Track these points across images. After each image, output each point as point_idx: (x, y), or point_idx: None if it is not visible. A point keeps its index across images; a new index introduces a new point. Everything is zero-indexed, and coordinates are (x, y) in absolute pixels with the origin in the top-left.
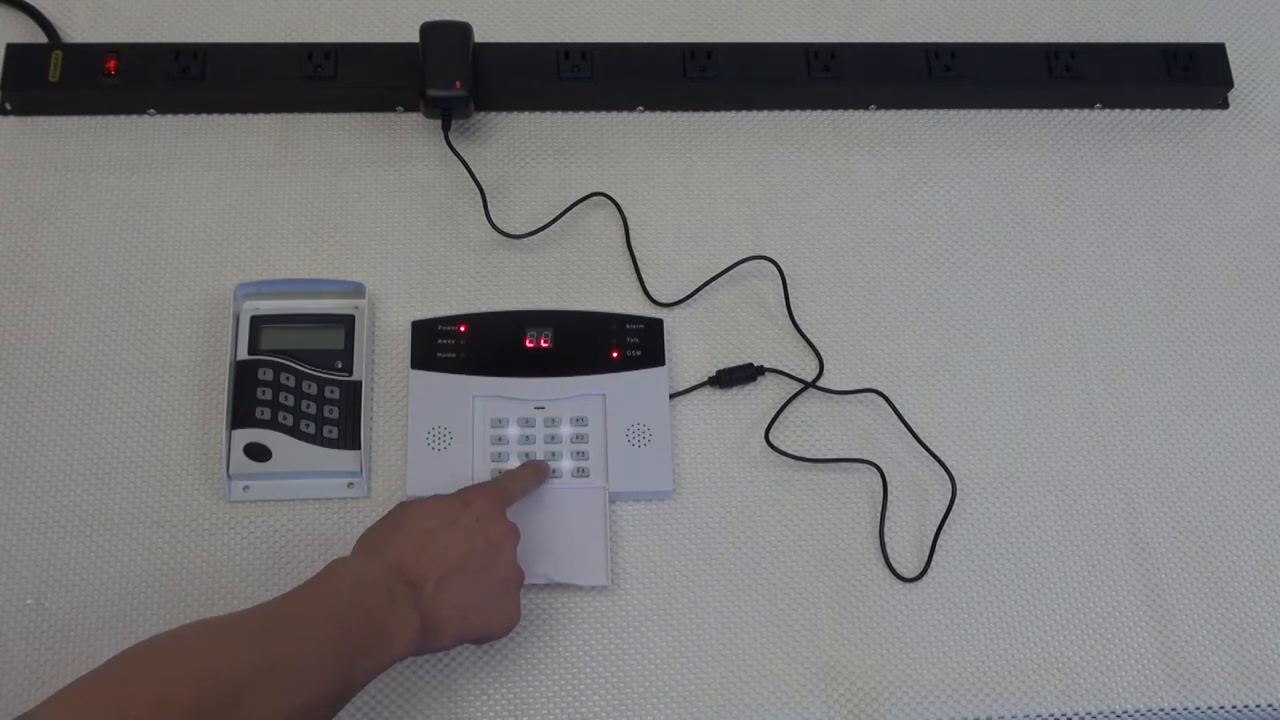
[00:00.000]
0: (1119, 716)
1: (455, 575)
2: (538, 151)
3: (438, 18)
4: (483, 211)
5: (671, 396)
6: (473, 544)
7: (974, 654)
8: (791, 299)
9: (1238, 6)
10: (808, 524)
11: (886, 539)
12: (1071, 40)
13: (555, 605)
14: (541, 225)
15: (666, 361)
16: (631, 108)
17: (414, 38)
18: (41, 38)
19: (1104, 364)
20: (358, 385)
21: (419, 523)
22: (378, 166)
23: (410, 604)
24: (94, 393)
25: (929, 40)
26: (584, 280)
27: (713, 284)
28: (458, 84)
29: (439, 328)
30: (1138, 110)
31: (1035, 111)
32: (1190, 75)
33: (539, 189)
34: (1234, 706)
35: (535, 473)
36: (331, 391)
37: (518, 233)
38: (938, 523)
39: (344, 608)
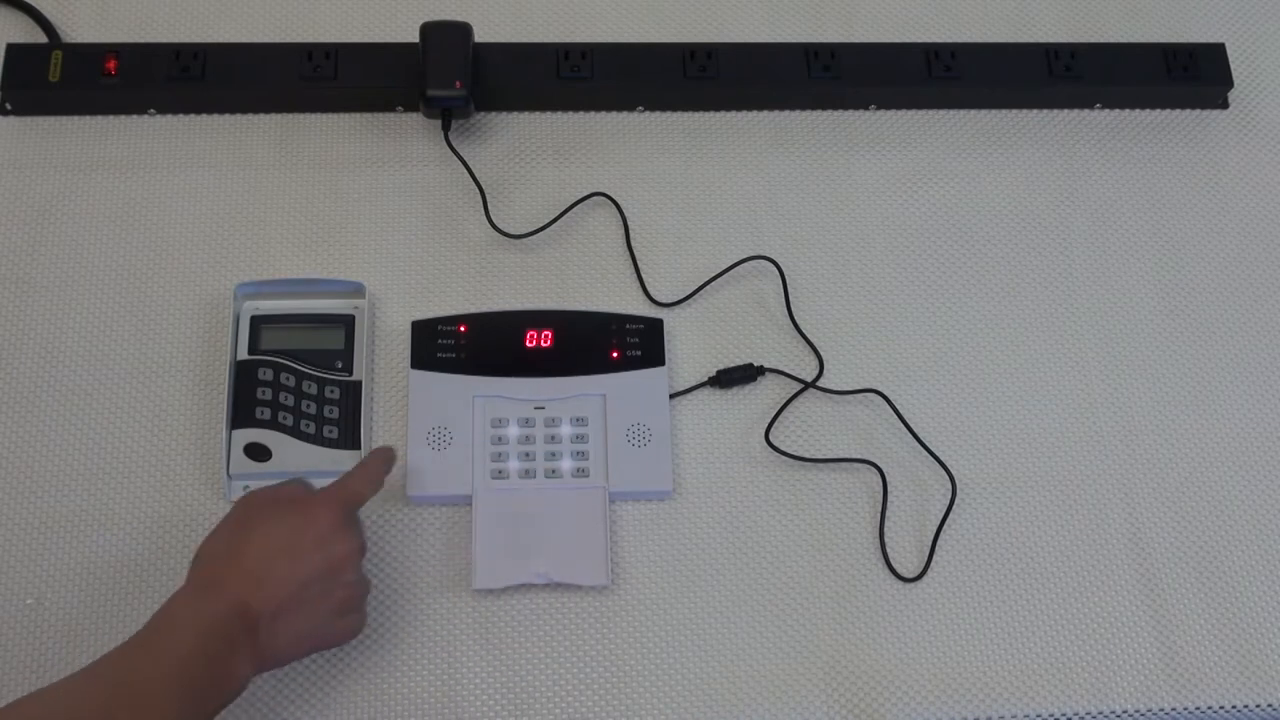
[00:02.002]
0: (1119, 716)
1: (291, 608)
2: (538, 151)
3: (438, 18)
4: (483, 211)
5: (671, 396)
6: (311, 570)
7: (974, 654)
8: (791, 299)
9: (1238, 6)
10: (808, 524)
11: (886, 539)
12: (1071, 40)
13: (555, 605)
14: (541, 225)
15: (666, 361)
16: (631, 108)
17: (414, 38)
18: (41, 38)
19: (1104, 364)
20: (358, 385)
21: (259, 549)
22: (378, 166)
23: (248, 648)
24: (94, 393)
25: (929, 40)
26: (584, 280)
27: (713, 284)
28: (458, 84)
29: (439, 328)
30: (1138, 110)
31: (1035, 111)
32: (1190, 75)
33: (539, 189)
34: (1234, 706)
35: (381, 463)
36: (331, 391)
37: (518, 233)
38: (938, 523)
39: (189, 663)
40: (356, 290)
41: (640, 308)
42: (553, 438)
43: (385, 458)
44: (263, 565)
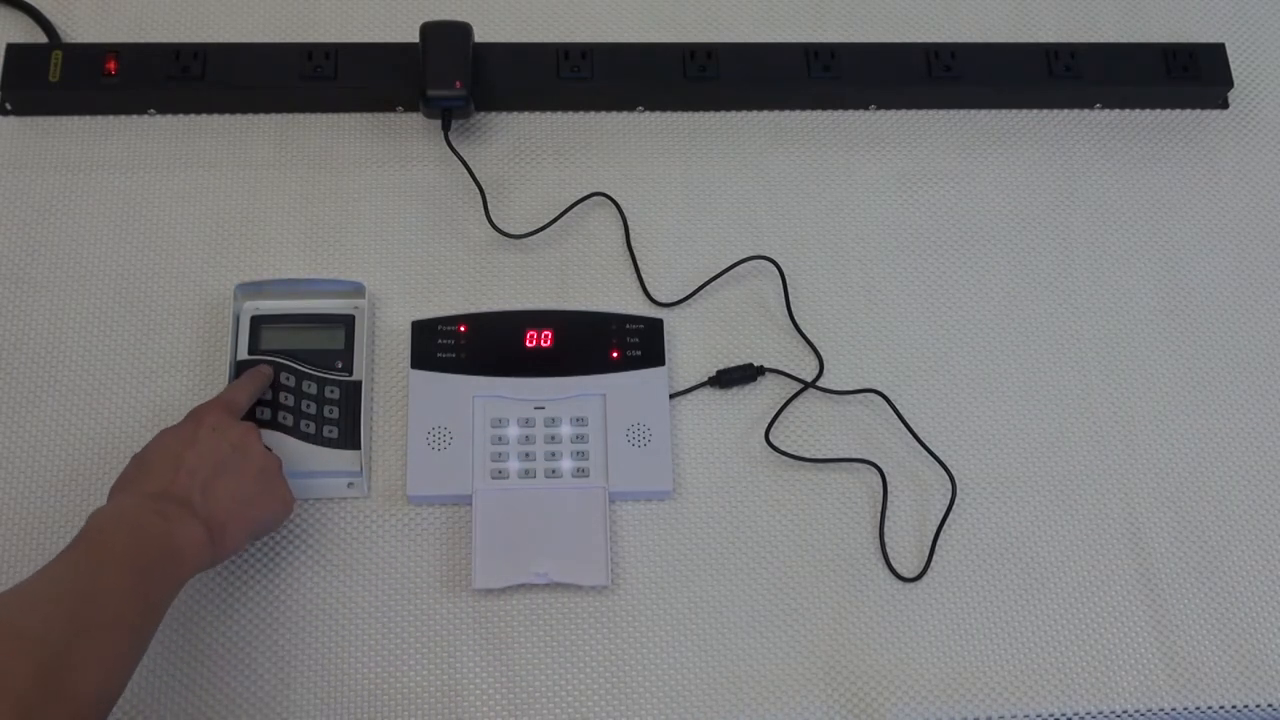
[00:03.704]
0: (1119, 716)
1: (215, 479)
2: (538, 151)
3: (438, 18)
4: (483, 211)
5: (671, 396)
6: (219, 450)
7: (974, 654)
8: (791, 299)
9: (1238, 6)
10: (808, 524)
11: (886, 539)
12: (1071, 40)
13: (555, 605)
14: (541, 225)
15: (666, 361)
16: (631, 108)
17: (414, 38)
18: (41, 38)
19: (1104, 364)
20: (358, 385)
21: (160, 453)
22: (378, 166)
23: (186, 515)
24: (94, 392)
25: (929, 40)
26: (584, 280)
27: (713, 284)
28: (458, 84)
29: (439, 328)
30: (1138, 110)
31: (1035, 111)
32: (1190, 75)
33: (539, 189)
34: (1234, 706)
35: (257, 377)
36: (331, 391)
37: (518, 233)
38: (938, 523)
39: (128, 546)
40: (356, 290)
41: (640, 308)
42: (553, 438)
43: (260, 371)
44: (171, 460)
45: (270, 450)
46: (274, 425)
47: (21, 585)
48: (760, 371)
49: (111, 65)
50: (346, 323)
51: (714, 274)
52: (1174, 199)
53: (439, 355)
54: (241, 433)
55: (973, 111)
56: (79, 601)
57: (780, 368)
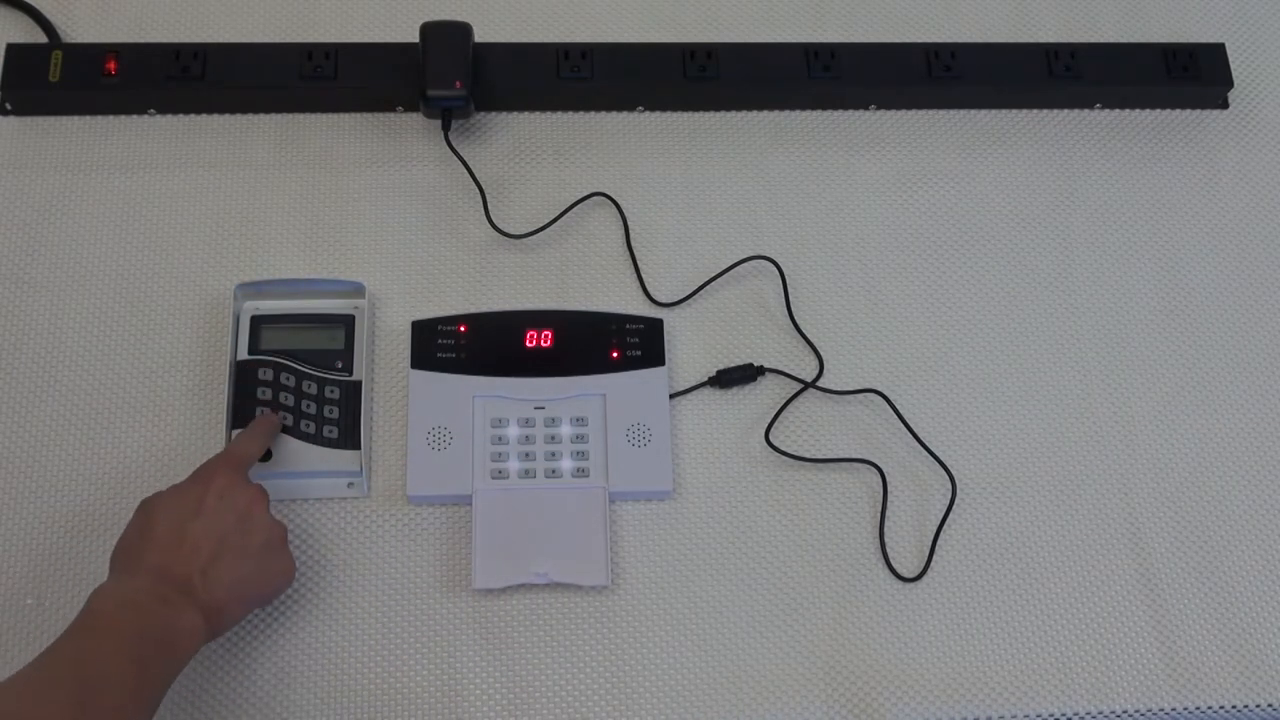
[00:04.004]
0: (1119, 716)
1: (218, 558)
2: (538, 151)
3: (438, 18)
4: (483, 211)
5: (671, 396)
6: (224, 523)
7: (974, 654)
8: (791, 299)
9: (1238, 6)
10: (808, 524)
11: (886, 539)
12: (1071, 40)
13: (555, 605)
14: (541, 225)
15: (666, 361)
16: (631, 108)
17: (414, 38)
18: (41, 38)
19: (1104, 364)
20: (358, 385)
21: (165, 522)
22: (378, 166)
23: (186, 603)
24: (94, 392)
25: (929, 40)
26: (584, 280)
27: (713, 284)
28: (458, 84)
29: (439, 328)
30: (1138, 110)
31: (1035, 111)
32: (1190, 75)
33: (539, 189)
34: (1234, 706)
35: (266, 426)
36: (331, 391)
37: (518, 233)
38: (938, 523)
39: (129, 632)
40: (356, 290)
41: (640, 308)
42: (553, 438)
43: (269, 421)
44: (174, 534)
45: (277, 520)
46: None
47: (24, 673)
48: (760, 371)
49: (111, 65)
50: (346, 323)
51: (714, 274)
52: (1174, 199)
53: (439, 355)
54: (249, 500)
55: (973, 111)
56: (83, 692)
57: (780, 368)
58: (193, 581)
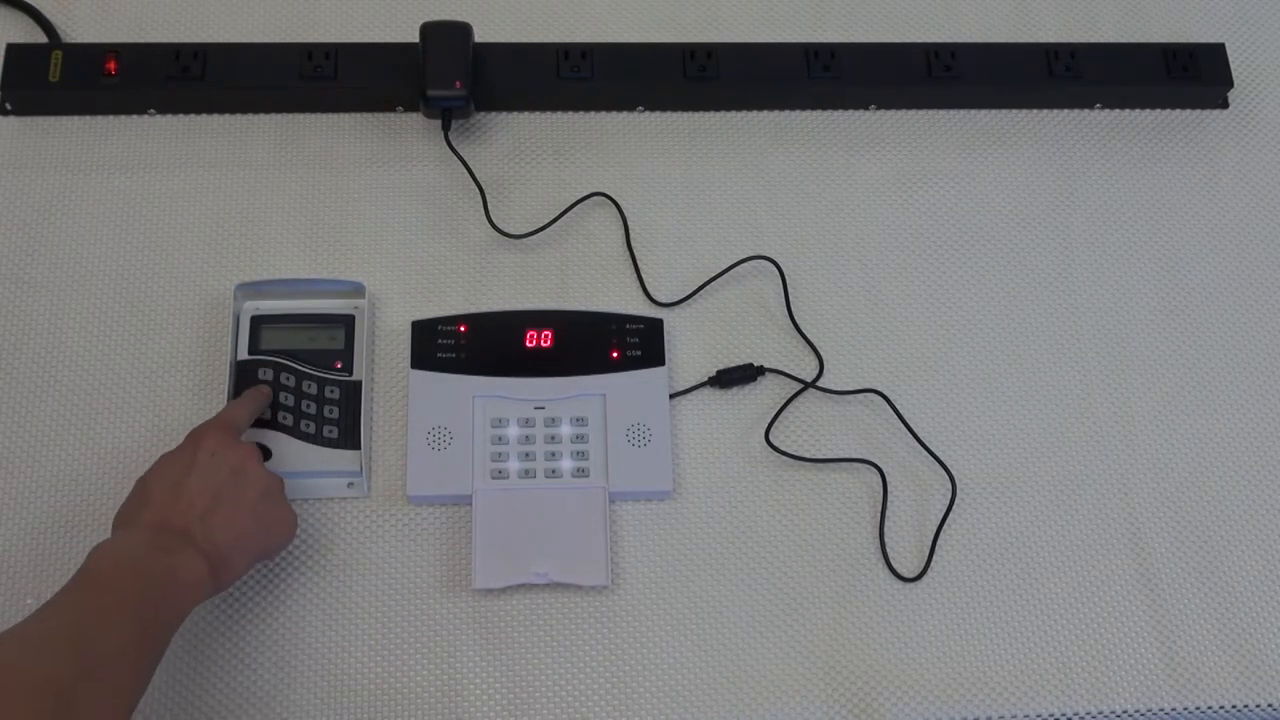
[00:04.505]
0: (1119, 716)
1: (216, 508)
2: (538, 151)
3: (438, 18)
4: (483, 211)
5: (671, 396)
6: (218, 476)
7: (974, 654)
8: (791, 299)
9: (1238, 6)
10: (808, 524)
11: (886, 539)
12: (1071, 40)
13: (555, 605)
14: (541, 225)
15: (666, 361)
16: (631, 108)
17: (414, 38)
18: (41, 38)
19: (1104, 364)
20: (358, 385)
21: (160, 482)
22: (378, 166)
23: (186, 549)
24: (94, 392)
25: (929, 40)
26: (584, 280)
27: (713, 284)
28: (458, 84)
29: (439, 328)
30: (1138, 110)
31: (1035, 111)
32: (1190, 75)
33: (539, 189)
34: (1234, 706)
35: (258, 396)
36: (331, 391)
37: (518, 233)
38: (938, 523)
39: (129, 582)
40: (356, 290)
41: (640, 308)
42: (553, 438)
43: (263, 393)
44: (170, 489)
45: (271, 472)
46: (274, 425)
47: (24, 625)
48: (760, 371)
49: (111, 65)
50: (346, 323)
51: (714, 274)
52: (1174, 199)
53: (439, 355)
54: (241, 456)
55: (973, 111)
56: (83, 642)
57: (780, 368)
58: (191, 529)
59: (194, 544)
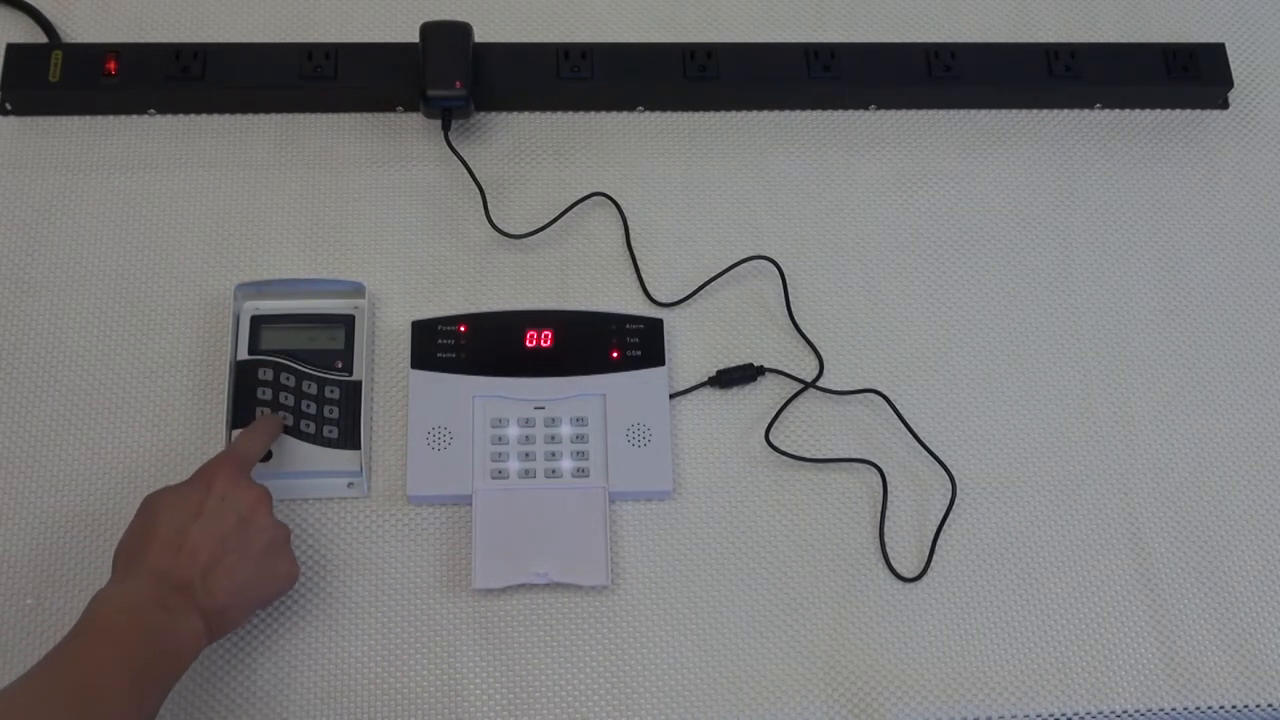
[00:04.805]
0: (1119, 716)
1: (219, 561)
2: (538, 151)
3: (438, 18)
4: (483, 211)
5: (671, 396)
6: (225, 525)
7: (974, 654)
8: (791, 299)
9: (1238, 6)
10: (808, 524)
11: (886, 539)
12: (1071, 40)
13: (555, 605)
14: (541, 225)
15: (666, 361)
16: (631, 108)
17: (414, 38)
18: (41, 38)
19: (1104, 364)
20: (358, 385)
21: (166, 524)
22: (378, 166)
23: (186, 608)
24: (94, 393)
25: (929, 40)
26: (584, 280)
27: (713, 284)
28: (458, 84)
29: (439, 328)
30: (1138, 110)
31: (1035, 111)
32: (1190, 75)
33: (539, 189)
34: (1234, 706)
35: (268, 426)
36: (331, 391)
37: (518, 233)
38: (938, 523)
39: (128, 642)
40: (356, 290)
41: (640, 308)
42: (553, 438)
43: (272, 421)
44: (175, 536)
45: (279, 522)
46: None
47: (22, 681)
48: (760, 371)
49: (111, 65)
50: (346, 323)
51: (714, 274)
52: (1174, 199)
53: (439, 355)
54: (251, 502)
55: (973, 111)
56: (80, 703)
57: (780, 368)
58: (193, 585)
59: (194, 600)
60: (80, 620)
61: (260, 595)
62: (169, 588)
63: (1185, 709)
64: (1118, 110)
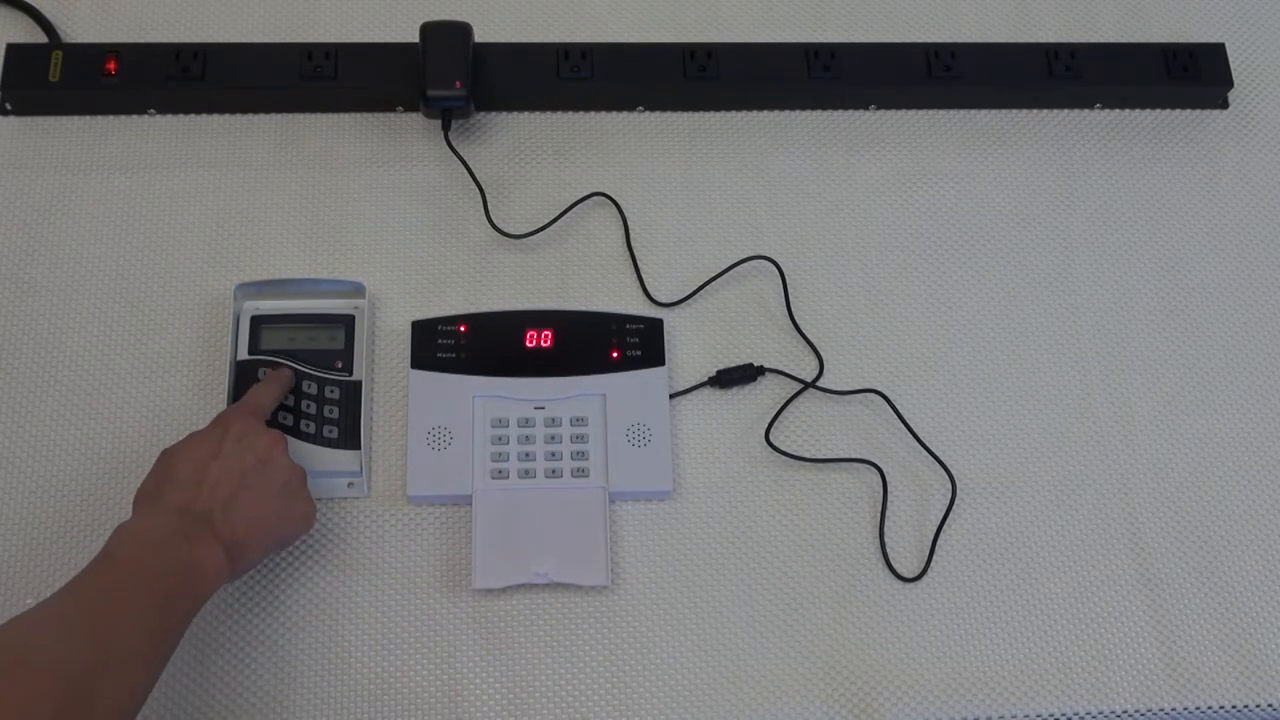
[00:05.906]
0: (1119, 716)
1: (239, 495)
2: (538, 151)
3: (438, 18)
4: (483, 211)
5: (671, 396)
6: (244, 462)
7: (974, 654)
8: (791, 299)
9: (1238, 6)
10: (808, 524)
11: (886, 539)
12: (1071, 40)
13: (555, 605)
14: (541, 225)
15: (666, 361)
16: (631, 108)
17: (414, 38)
18: (41, 38)
19: (1104, 364)
20: (358, 385)
21: (186, 463)
22: (378, 166)
23: (207, 536)
24: (94, 393)
25: (929, 40)
26: (584, 280)
27: (713, 284)
28: (458, 84)
29: (439, 328)
30: (1138, 110)
31: (1035, 111)
32: (1190, 75)
33: (539, 189)
34: (1234, 706)
35: (280, 379)
36: (331, 391)
37: (518, 233)
38: (938, 523)
39: (151, 568)
40: (356, 290)
41: (640, 308)
42: (553, 438)
43: (285, 375)
44: (195, 473)
45: (296, 464)
46: (274, 425)
47: (44, 606)
48: (760, 371)
49: (111, 65)
50: (346, 323)
51: (714, 274)
52: (1174, 199)
53: (439, 355)
54: (268, 444)
55: (973, 111)
56: (102, 628)
57: (780, 368)
58: (214, 517)
59: (215, 532)
60: (102, 551)
61: (279, 533)
62: (190, 520)
63: (1185, 709)
64: (1118, 110)
